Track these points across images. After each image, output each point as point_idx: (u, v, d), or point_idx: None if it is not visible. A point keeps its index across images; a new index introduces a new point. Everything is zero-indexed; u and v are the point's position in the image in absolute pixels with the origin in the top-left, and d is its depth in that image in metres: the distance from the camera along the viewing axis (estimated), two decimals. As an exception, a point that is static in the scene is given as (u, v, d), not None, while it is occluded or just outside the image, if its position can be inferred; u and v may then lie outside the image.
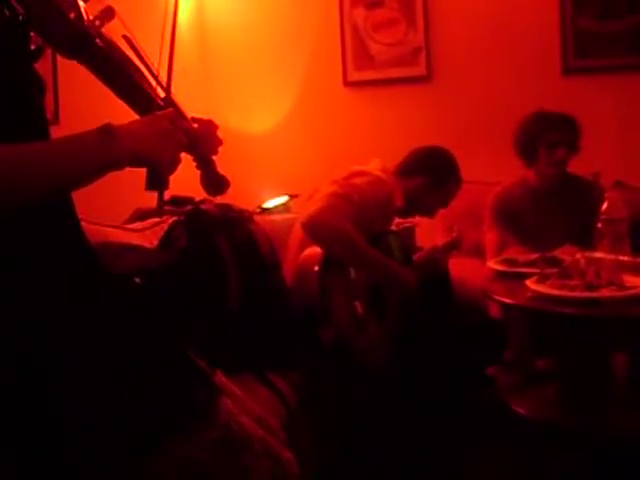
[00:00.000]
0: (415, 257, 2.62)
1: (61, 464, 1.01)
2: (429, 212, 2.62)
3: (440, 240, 2.76)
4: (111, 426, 1.02)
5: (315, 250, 2.21)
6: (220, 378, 1.32)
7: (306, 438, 1.93)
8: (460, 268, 2.84)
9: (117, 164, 1.03)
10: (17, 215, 0.96)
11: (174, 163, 1.14)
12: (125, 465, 1.04)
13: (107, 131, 1.00)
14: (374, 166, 2.49)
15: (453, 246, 2.65)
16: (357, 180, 2.32)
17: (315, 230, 2.17)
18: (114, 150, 1.01)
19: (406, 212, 2.59)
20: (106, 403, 1.02)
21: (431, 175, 2.52)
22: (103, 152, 1.01)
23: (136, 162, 1.07)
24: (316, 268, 2.16)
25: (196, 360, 1.19)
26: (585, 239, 2.33)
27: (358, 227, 2.21)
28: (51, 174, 0.97)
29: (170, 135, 1.11)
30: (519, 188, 2.85)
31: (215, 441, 1.11)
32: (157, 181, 1.15)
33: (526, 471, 2.24)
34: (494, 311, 2.67)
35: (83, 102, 2.51)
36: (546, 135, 2.71)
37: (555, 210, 2.75)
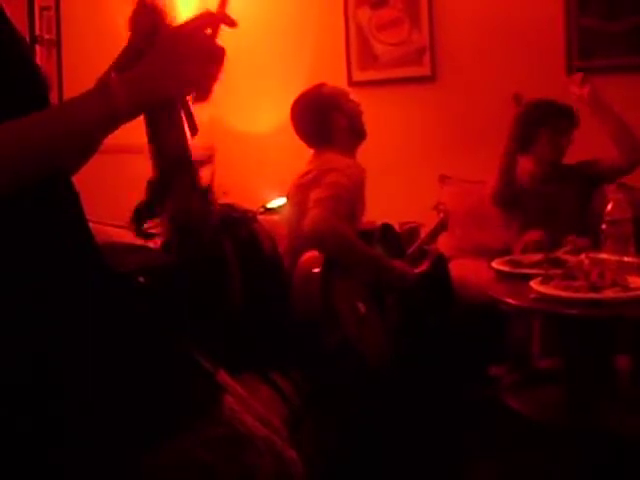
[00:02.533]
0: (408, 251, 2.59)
1: (61, 462, 1.01)
2: (362, 123, 2.58)
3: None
4: (113, 424, 1.02)
5: (314, 253, 2.21)
6: (223, 377, 1.32)
7: (309, 437, 1.93)
8: (462, 269, 2.84)
9: (117, 115, 0.98)
10: (24, 213, 0.97)
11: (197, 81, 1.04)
12: (126, 462, 1.04)
13: (103, 84, 0.98)
14: (325, 158, 2.48)
15: (442, 227, 2.64)
16: (332, 178, 2.32)
17: (321, 241, 2.18)
18: (112, 104, 0.97)
19: (356, 144, 2.57)
20: (108, 401, 1.02)
21: (331, 113, 2.53)
22: (100, 108, 0.97)
23: (142, 108, 1.02)
24: (317, 270, 2.16)
25: (199, 358, 1.19)
26: (589, 222, 2.35)
27: (350, 220, 2.24)
28: (50, 136, 0.95)
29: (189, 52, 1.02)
30: (517, 176, 2.83)
31: (217, 438, 1.10)
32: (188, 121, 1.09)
33: (526, 471, 2.24)
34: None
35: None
36: (554, 120, 2.73)
37: (557, 192, 2.75)
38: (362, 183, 2.43)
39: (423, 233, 2.99)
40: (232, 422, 1.14)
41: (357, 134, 2.58)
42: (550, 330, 2.42)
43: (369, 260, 2.26)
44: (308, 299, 2.16)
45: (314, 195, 2.27)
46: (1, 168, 0.90)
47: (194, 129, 1.12)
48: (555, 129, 2.72)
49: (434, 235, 2.62)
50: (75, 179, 1.13)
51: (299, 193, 2.41)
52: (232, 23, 1.08)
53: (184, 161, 1.12)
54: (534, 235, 2.63)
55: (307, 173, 2.45)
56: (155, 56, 1.02)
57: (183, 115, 1.10)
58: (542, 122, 2.75)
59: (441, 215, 2.63)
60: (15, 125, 0.92)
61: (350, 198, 2.29)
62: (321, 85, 2.66)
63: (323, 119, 2.55)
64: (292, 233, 2.42)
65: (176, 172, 1.10)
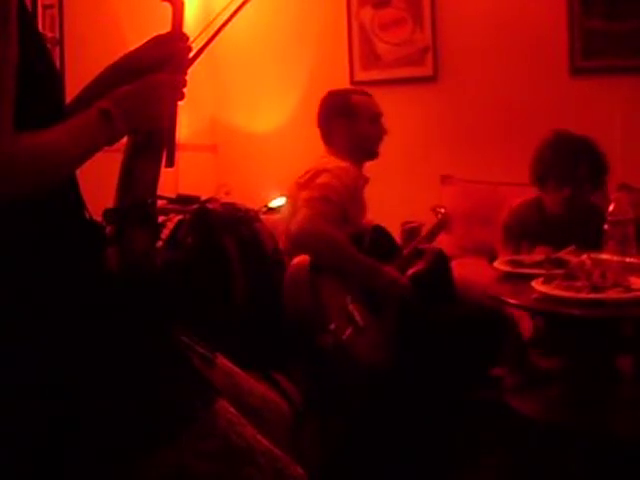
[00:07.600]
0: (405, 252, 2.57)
1: (61, 465, 1.01)
2: (373, 145, 2.58)
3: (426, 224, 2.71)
4: (113, 424, 1.02)
5: (304, 257, 2.21)
6: (221, 360, 1.32)
7: (311, 438, 1.93)
8: (464, 268, 2.83)
9: (116, 139, 1.10)
10: (27, 212, 0.98)
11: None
12: (111, 473, 1.02)
13: (106, 115, 1.07)
14: (325, 159, 2.49)
15: (440, 227, 2.59)
16: (323, 179, 2.32)
17: (305, 241, 2.17)
18: (113, 131, 1.09)
19: (359, 158, 2.55)
20: (107, 402, 1.02)
21: (338, 119, 2.54)
22: (105, 135, 1.08)
23: (134, 131, 1.15)
24: (306, 275, 2.15)
25: (195, 354, 1.18)
26: None
27: (341, 223, 2.23)
28: (65, 159, 1.03)
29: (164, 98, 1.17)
30: (534, 210, 2.75)
31: (213, 451, 1.07)
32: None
33: (526, 471, 2.24)
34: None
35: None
36: (557, 168, 2.61)
37: (565, 238, 2.69)
38: (356, 188, 2.40)
39: (423, 233, 2.99)
40: (228, 434, 1.10)
41: (362, 151, 2.55)
42: (551, 330, 2.41)
43: (358, 264, 2.25)
44: (297, 301, 2.15)
45: (304, 195, 2.28)
46: (28, 181, 0.97)
47: (170, 161, 1.22)
48: (557, 178, 2.59)
49: (431, 236, 2.58)
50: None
51: (295, 192, 2.41)
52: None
53: (147, 206, 1.18)
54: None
55: (307, 172, 2.44)
56: (144, 85, 1.15)
57: (165, 145, 1.21)
58: (549, 167, 2.60)
59: (439, 216, 2.59)
60: (43, 146, 0.99)
61: (340, 201, 2.27)
62: (355, 92, 2.66)
63: (329, 121, 2.57)
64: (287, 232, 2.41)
65: (135, 214, 1.15)
